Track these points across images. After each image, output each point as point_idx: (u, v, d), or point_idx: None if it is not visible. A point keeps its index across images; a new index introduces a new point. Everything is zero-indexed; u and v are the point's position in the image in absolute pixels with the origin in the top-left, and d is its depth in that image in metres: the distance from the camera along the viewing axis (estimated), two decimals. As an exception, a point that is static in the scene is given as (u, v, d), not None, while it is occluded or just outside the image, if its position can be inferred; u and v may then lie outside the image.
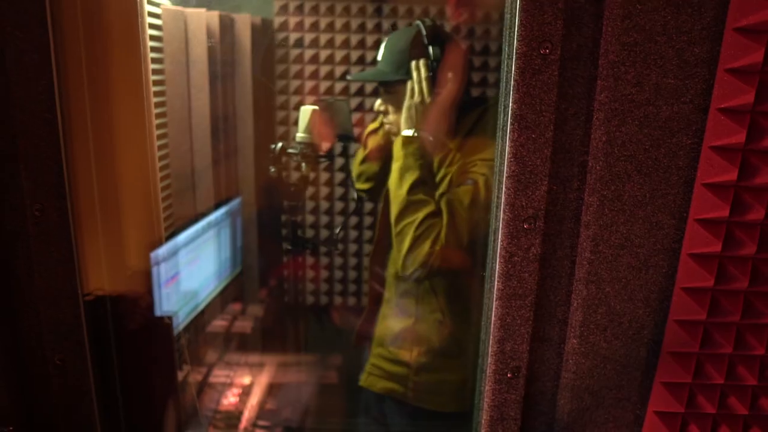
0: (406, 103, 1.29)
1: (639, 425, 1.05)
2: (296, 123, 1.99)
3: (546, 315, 1.02)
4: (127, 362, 1.17)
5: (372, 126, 1.50)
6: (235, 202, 2.04)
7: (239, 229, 2.07)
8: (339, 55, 1.95)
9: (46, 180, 0.95)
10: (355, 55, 1.94)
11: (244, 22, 1.83)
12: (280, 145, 1.39)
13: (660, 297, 0.99)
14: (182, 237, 1.67)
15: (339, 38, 1.94)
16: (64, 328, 1.02)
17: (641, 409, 1.04)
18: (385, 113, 1.41)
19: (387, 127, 1.42)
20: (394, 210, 1.28)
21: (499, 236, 0.97)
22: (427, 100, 1.29)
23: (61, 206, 0.96)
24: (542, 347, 1.04)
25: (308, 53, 1.95)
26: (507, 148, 0.94)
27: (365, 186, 1.55)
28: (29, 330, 1.04)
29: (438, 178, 1.29)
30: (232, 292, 2.05)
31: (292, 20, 1.92)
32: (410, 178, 1.26)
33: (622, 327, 1.00)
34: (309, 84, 1.98)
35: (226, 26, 1.81)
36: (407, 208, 1.25)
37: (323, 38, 1.93)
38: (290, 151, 1.38)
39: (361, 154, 1.53)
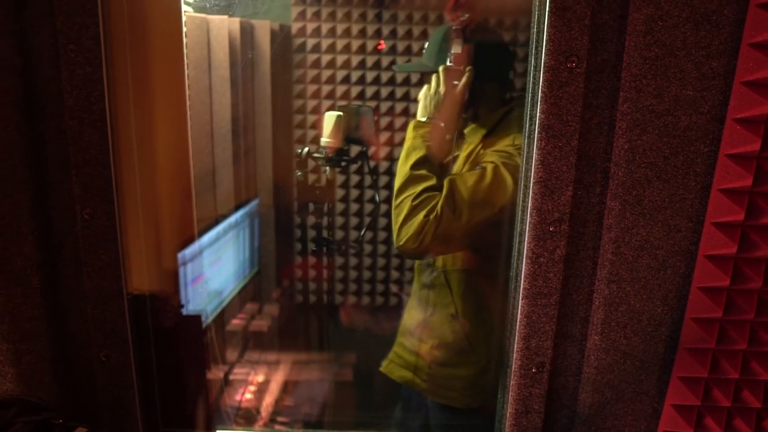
0: (423, 91, 1.35)
1: (657, 418, 1.11)
2: (313, 126, 2.04)
3: (569, 313, 1.08)
4: (163, 357, 1.22)
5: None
6: (253, 204, 2.09)
7: (257, 230, 2.12)
8: (355, 60, 2.00)
9: (96, 185, 1.00)
10: (370, 60, 1.99)
11: (263, 28, 1.88)
12: (306, 149, 1.44)
13: (677, 296, 1.04)
14: (206, 238, 1.72)
15: (355, 44, 1.99)
16: (109, 326, 1.07)
17: (659, 403, 1.10)
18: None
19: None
20: (396, 185, 1.32)
21: (526, 238, 1.02)
22: (441, 91, 1.34)
23: (109, 211, 1.01)
24: (565, 344, 1.10)
25: (325, 58, 2.00)
26: (534, 155, 0.99)
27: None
28: (77, 328, 1.09)
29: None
30: (250, 291, 2.10)
31: (309, 26, 1.97)
32: (415, 156, 1.31)
33: (642, 324, 1.06)
34: (325, 89, 2.03)
35: (247, 32, 1.86)
36: (409, 182, 1.29)
37: (340, 44, 1.98)
38: (315, 155, 1.43)
39: None
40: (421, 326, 1.54)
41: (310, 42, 1.99)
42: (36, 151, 1.01)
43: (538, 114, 0.97)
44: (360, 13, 1.95)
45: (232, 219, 1.89)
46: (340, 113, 1.43)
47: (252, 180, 2.02)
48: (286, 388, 1.81)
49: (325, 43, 1.98)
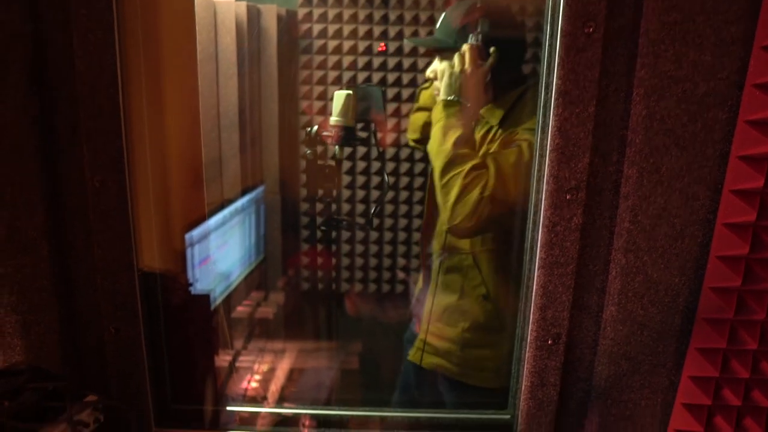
0: (447, 70, 1.34)
1: (673, 390, 1.09)
2: (319, 112, 2.04)
3: (585, 284, 1.07)
4: (171, 335, 1.20)
5: (425, 85, 1.58)
6: (258, 190, 2.08)
7: (263, 217, 2.11)
8: (362, 45, 1.99)
9: (107, 153, 0.99)
10: (376, 45, 1.98)
11: (270, 13, 1.87)
12: (315, 128, 1.43)
13: (695, 266, 1.03)
14: (212, 221, 1.71)
15: (362, 29, 1.98)
16: (120, 298, 1.05)
17: (676, 375, 1.09)
18: (436, 79, 1.44)
19: (436, 92, 1.46)
20: (438, 165, 1.30)
21: (542, 207, 1.01)
22: (467, 70, 1.34)
23: (120, 179, 1.00)
24: (581, 315, 1.08)
25: (331, 44, 1.99)
26: (551, 122, 0.98)
27: (415, 136, 1.60)
28: (87, 300, 1.08)
29: (480, 154, 1.33)
30: (255, 279, 2.08)
31: (316, 11, 1.96)
32: (454, 135, 1.30)
33: (659, 295, 1.04)
34: (332, 75, 2.02)
35: (253, 16, 1.85)
36: (453, 161, 1.28)
37: (346, 29, 1.97)
38: (325, 134, 1.42)
39: (414, 108, 1.60)
40: (449, 311, 1.52)
41: (317, 27, 1.98)
42: (46, 119, 1.00)
43: (554, 80, 0.96)
44: (366, -2, 1.94)
45: (238, 204, 1.88)
46: (350, 92, 1.42)
47: (258, 166, 2.01)
48: (292, 375, 1.79)
49: (332, 28, 1.98)
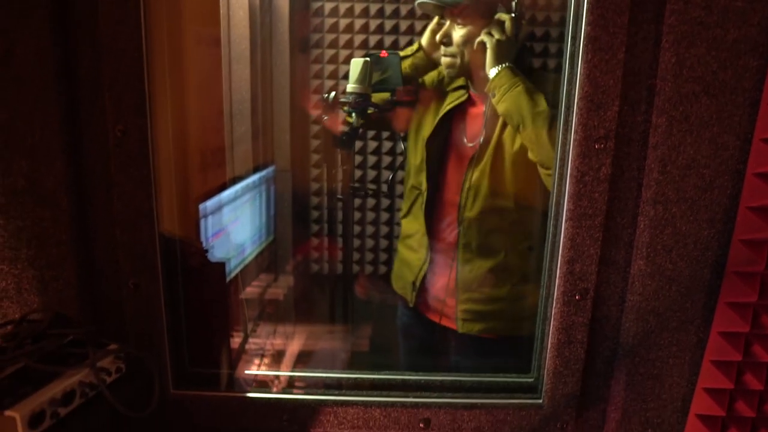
0: (497, 37, 1.37)
1: (702, 348, 1.08)
2: (332, 90, 2.02)
3: (612, 238, 1.05)
4: (189, 296, 1.18)
5: (407, 52, 1.56)
6: (269, 170, 2.06)
7: (273, 198, 2.09)
8: (373, 24, 1.98)
9: (129, 100, 0.97)
10: (389, 24, 1.98)
11: (282, -11, 1.86)
12: (333, 94, 1.42)
13: (725, 217, 1.01)
14: (226, 194, 1.69)
15: (373, 8, 1.97)
16: (139, 251, 1.03)
17: (704, 332, 1.07)
18: (448, 44, 1.43)
19: (447, 59, 1.45)
20: (540, 126, 1.33)
21: (570, 157, 1.00)
22: (509, 35, 1.37)
23: (142, 126, 0.98)
24: (608, 270, 1.07)
25: (343, 22, 1.99)
26: (579, 70, 0.97)
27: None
28: (105, 254, 1.06)
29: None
30: (265, 259, 2.06)
31: (328, -11, 1.96)
32: (541, 96, 1.34)
33: (687, 248, 1.03)
34: (343, 53, 2.01)
35: (266, -6, 1.84)
36: (555, 119, 1.24)
37: (358, 7, 1.97)
38: (342, 100, 1.41)
39: None
40: (496, 271, 1.52)
41: (328, 6, 1.97)
42: (68, 66, 0.98)
43: (583, 27, 0.95)
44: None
45: (249, 180, 1.86)
46: (367, 59, 1.41)
47: (269, 145, 2.00)
48: (302, 357, 1.76)
49: (343, 7, 1.97)
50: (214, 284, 1.33)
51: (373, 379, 1.18)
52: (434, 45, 1.49)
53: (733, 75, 0.96)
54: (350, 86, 1.42)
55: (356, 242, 2.14)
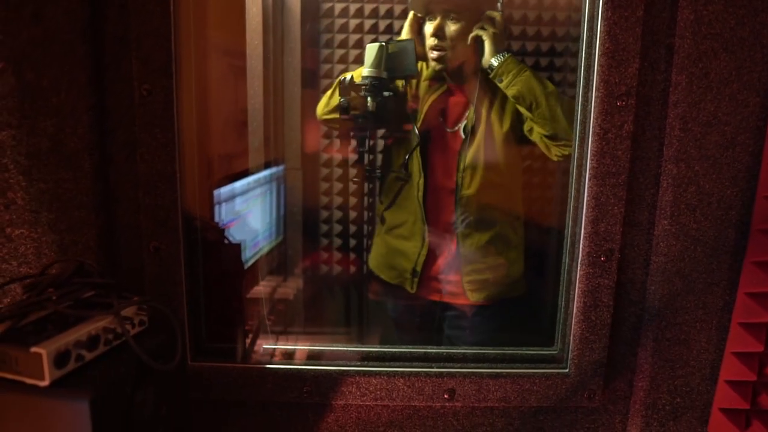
0: (492, 30, 1.46)
1: (728, 311, 1.06)
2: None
3: (635, 198, 1.05)
4: (207, 270, 1.17)
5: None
6: (279, 168, 2.07)
7: (283, 197, 2.09)
8: (383, 24, 2.02)
9: (156, 59, 0.98)
10: (398, 24, 2.01)
11: (294, -11, 1.90)
12: (349, 76, 1.44)
13: (747, 175, 1.02)
14: (238, 184, 1.69)
15: (383, 8, 2.01)
16: (161, 213, 1.03)
17: (730, 294, 1.06)
18: (441, 38, 1.47)
19: (436, 53, 1.49)
20: (553, 104, 1.41)
21: (592, 115, 1.01)
22: (501, 31, 1.47)
23: (167, 86, 0.99)
24: (632, 232, 1.06)
25: (353, 23, 2.02)
26: (600, 27, 0.98)
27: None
28: (126, 217, 1.05)
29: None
30: (274, 259, 2.05)
31: (338, -9, 2.00)
32: (544, 77, 1.44)
33: (711, 207, 1.03)
34: (353, 53, 2.04)
35: (278, -8, 1.88)
36: (560, 96, 1.43)
37: (368, 8, 2.00)
38: (358, 83, 1.42)
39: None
40: (492, 242, 1.59)
41: (338, 7, 2.01)
42: (96, 27, 0.99)
43: (602, -15, 0.97)
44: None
45: (260, 174, 1.86)
46: (382, 43, 1.43)
47: (280, 143, 2.00)
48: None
49: (353, 8, 2.01)
50: (231, 261, 1.31)
51: (395, 352, 1.16)
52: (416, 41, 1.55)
53: (751, 31, 0.98)
54: (366, 70, 1.43)
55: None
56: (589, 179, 1.02)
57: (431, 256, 1.62)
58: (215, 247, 1.24)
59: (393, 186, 1.66)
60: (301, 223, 2.13)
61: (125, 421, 0.79)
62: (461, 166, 1.57)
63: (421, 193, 1.60)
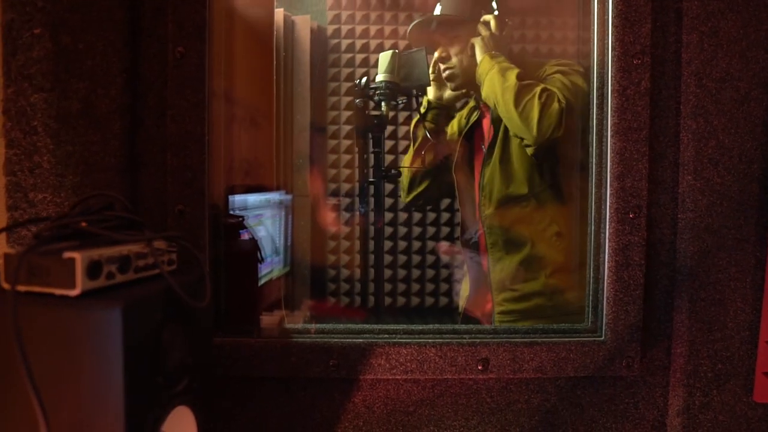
0: (483, 34, 1.48)
1: (761, 269, 1.05)
2: (347, 122, 2.10)
3: (658, 157, 1.07)
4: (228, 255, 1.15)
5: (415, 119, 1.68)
6: (287, 198, 2.07)
7: (290, 226, 2.08)
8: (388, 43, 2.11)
9: (191, 23, 1.01)
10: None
11: (304, 23, 2.01)
12: (364, 80, 1.48)
13: (765, 129, 1.04)
14: (251, 198, 1.69)
15: (387, 43, 2.11)
16: (188, 175, 1.02)
17: (761, 251, 1.05)
18: (446, 59, 1.54)
19: (447, 72, 1.54)
20: (508, 99, 1.37)
21: (610, 72, 1.04)
22: (495, 33, 1.45)
23: (200, 50, 1.02)
24: (657, 190, 1.07)
25: (359, 57, 2.12)
26: (612, -8, 1.04)
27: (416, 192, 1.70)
28: (151, 182, 1.04)
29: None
30: (280, 290, 2.00)
31: (344, 28, 2.11)
32: (514, 72, 1.39)
33: (733, 161, 1.04)
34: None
35: (288, 26, 1.98)
36: (522, 90, 1.36)
37: (373, 43, 2.11)
38: (373, 86, 1.47)
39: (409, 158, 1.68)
40: (525, 265, 1.50)
41: (345, 43, 2.11)
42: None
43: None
44: (392, 15, 2.11)
45: (270, 196, 1.87)
46: (395, 50, 1.50)
47: (289, 171, 2.03)
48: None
49: (359, 43, 2.11)
50: (249, 248, 1.29)
51: (424, 328, 1.12)
52: (440, 81, 1.61)
53: (752, -6, 1.04)
54: (380, 75, 1.49)
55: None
56: (612, 136, 1.04)
57: (472, 289, 1.61)
58: (234, 230, 1.23)
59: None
60: (309, 253, 2.11)
61: (152, 356, 0.75)
62: (482, 184, 1.55)
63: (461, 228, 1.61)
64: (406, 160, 1.71)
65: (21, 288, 0.69)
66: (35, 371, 0.66)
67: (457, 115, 1.71)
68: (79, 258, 0.68)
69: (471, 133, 1.64)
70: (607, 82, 1.05)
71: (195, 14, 1.01)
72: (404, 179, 1.70)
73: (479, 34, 1.50)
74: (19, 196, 0.99)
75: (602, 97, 1.06)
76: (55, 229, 0.76)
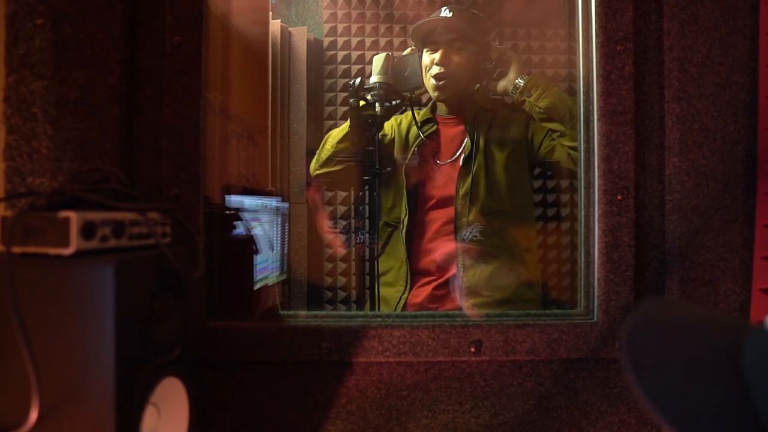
0: (515, 56, 1.61)
1: (749, 249, 1.06)
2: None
3: (644, 140, 1.09)
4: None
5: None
6: (284, 206, 2.09)
7: (287, 234, 2.09)
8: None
9: (188, 14, 1.05)
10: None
11: (300, 35, 2.06)
12: (359, 79, 1.52)
13: (747, 113, 1.07)
14: (248, 201, 1.70)
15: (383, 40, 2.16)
16: (183, 159, 1.04)
17: (749, 231, 1.06)
18: (447, 64, 1.57)
19: (440, 82, 1.58)
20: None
21: (594, 58, 1.07)
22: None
23: (197, 39, 1.05)
24: (644, 174, 1.09)
25: (354, 68, 2.16)
26: (593, -18, 1.08)
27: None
28: (147, 168, 1.06)
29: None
30: (276, 296, 2.00)
31: (341, 40, 2.16)
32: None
33: (717, 143, 1.07)
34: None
35: (285, 36, 2.03)
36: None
37: (368, 54, 2.16)
38: (367, 87, 1.50)
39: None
40: (496, 275, 1.55)
41: (341, 54, 2.16)
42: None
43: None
44: (387, 27, 2.16)
45: (266, 201, 1.89)
46: (388, 53, 1.54)
47: (285, 179, 2.05)
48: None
49: (355, 54, 2.16)
50: (245, 239, 1.30)
51: (417, 313, 1.12)
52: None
53: (729, -18, 1.08)
54: (374, 77, 1.52)
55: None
56: (598, 119, 1.07)
57: (416, 295, 1.62)
58: (229, 220, 1.24)
59: (383, 233, 1.68)
60: (305, 262, 2.12)
61: (144, 324, 0.75)
62: (460, 193, 1.60)
63: (405, 230, 1.62)
64: (337, 134, 1.66)
65: (16, 249, 0.71)
66: (29, 332, 0.67)
67: (394, 123, 1.73)
68: (74, 217, 0.70)
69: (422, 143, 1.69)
70: (592, 69, 1.08)
71: (192, 5, 1.05)
72: (324, 151, 1.67)
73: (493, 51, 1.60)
74: (17, 181, 1.01)
75: (588, 84, 1.09)
76: (51, 197, 0.78)
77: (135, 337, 0.73)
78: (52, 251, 0.70)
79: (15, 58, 1.01)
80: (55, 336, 0.70)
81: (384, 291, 1.62)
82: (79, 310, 0.69)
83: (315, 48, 2.13)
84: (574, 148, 1.47)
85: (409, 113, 1.64)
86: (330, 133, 1.67)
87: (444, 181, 1.64)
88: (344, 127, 1.62)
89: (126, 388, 0.71)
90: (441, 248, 1.63)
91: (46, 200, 0.77)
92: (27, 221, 0.71)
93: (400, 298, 1.61)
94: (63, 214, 0.70)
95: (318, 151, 1.69)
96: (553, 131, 1.52)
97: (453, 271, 1.57)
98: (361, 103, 1.52)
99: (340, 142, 1.62)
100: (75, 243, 0.70)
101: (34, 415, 0.66)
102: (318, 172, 1.70)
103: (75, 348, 0.70)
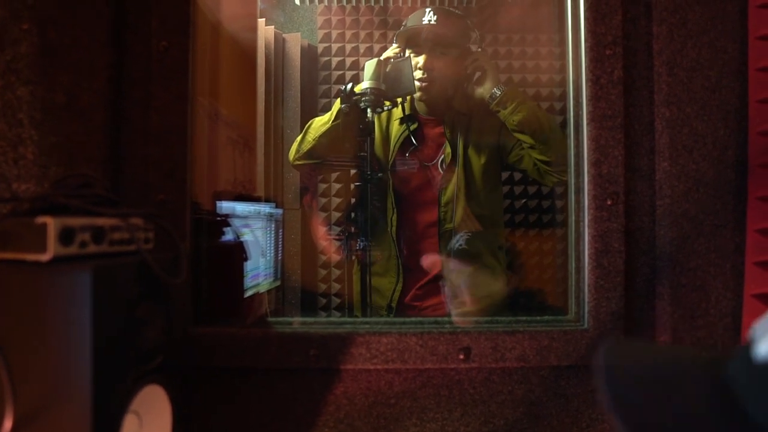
0: (491, 64, 1.59)
1: (741, 253, 1.05)
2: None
3: (634, 145, 1.08)
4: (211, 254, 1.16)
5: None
6: (277, 212, 2.08)
7: (281, 240, 2.09)
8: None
9: (174, 19, 1.05)
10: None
11: (294, 41, 2.06)
12: (350, 84, 1.51)
13: (737, 116, 1.06)
14: (239, 207, 1.70)
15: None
16: (169, 164, 1.04)
17: (740, 236, 1.05)
18: (430, 69, 1.58)
19: (424, 84, 1.59)
20: (554, 126, 1.57)
21: (583, 63, 1.07)
22: None
23: (183, 44, 1.04)
24: (634, 178, 1.08)
25: (349, 74, 2.16)
26: (582, -15, 1.08)
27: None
28: (133, 173, 1.05)
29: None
30: (272, 303, 1.99)
31: (335, 46, 2.16)
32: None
33: (707, 147, 1.06)
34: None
35: (279, 43, 2.03)
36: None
37: (362, 61, 2.16)
38: (358, 93, 1.50)
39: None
40: (477, 273, 1.60)
41: (335, 60, 2.16)
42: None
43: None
44: (381, 33, 2.16)
45: (260, 207, 1.88)
46: (380, 58, 1.54)
47: (279, 184, 2.05)
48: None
49: (349, 60, 2.16)
50: (233, 245, 1.29)
51: (405, 320, 1.11)
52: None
53: (718, -13, 1.07)
54: (366, 82, 1.52)
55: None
56: (588, 123, 1.06)
57: (407, 290, 1.64)
58: (218, 226, 1.23)
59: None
60: (299, 268, 2.10)
61: (125, 330, 0.74)
62: (442, 200, 1.63)
63: (394, 228, 1.63)
64: (319, 125, 1.63)
65: (-7, 255, 0.70)
66: (4, 338, 0.66)
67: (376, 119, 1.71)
68: (51, 223, 0.69)
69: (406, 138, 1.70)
70: (582, 73, 1.07)
71: (179, 10, 1.04)
72: (306, 143, 1.65)
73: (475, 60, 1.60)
74: (2, 187, 1.00)
75: (577, 88, 1.09)
76: (33, 202, 0.77)
77: (114, 344, 0.72)
78: (30, 257, 0.69)
79: (1, 63, 1.01)
80: (31, 343, 0.69)
81: (375, 281, 1.64)
82: (56, 316, 0.68)
83: (309, 54, 2.13)
84: (543, 162, 1.48)
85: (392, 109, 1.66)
86: (312, 121, 1.66)
87: (426, 183, 1.67)
88: (326, 119, 1.60)
89: (104, 395, 0.70)
90: (428, 258, 1.64)
91: (28, 205, 0.77)
92: (6, 227, 0.71)
93: (394, 289, 1.62)
94: (40, 219, 0.69)
95: (298, 139, 1.67)
96: (524, 142, 1.53)
97: (436, 270, 1.59)
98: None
99: (322, 136, 1.61)
100: (53, 249, 0.69)
101: (8, 424, 0.65)
102: (298, 163, 1.69)
103: (52, 355, 0.69)
